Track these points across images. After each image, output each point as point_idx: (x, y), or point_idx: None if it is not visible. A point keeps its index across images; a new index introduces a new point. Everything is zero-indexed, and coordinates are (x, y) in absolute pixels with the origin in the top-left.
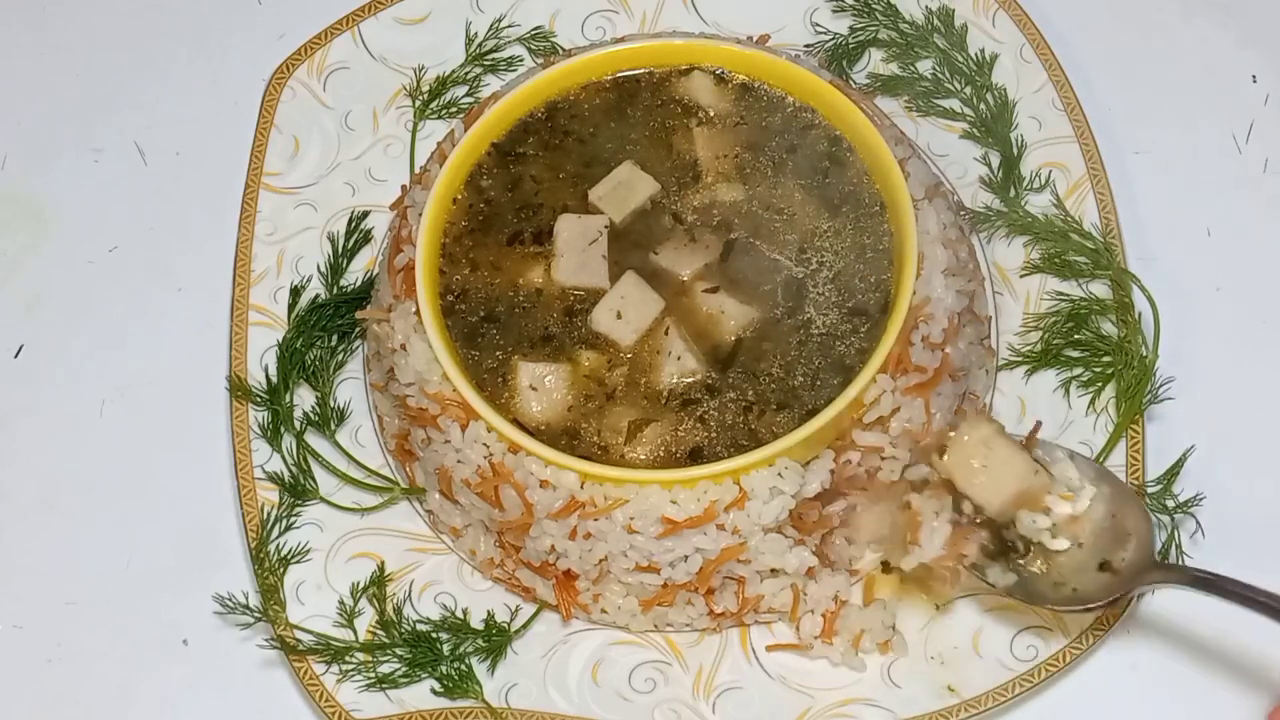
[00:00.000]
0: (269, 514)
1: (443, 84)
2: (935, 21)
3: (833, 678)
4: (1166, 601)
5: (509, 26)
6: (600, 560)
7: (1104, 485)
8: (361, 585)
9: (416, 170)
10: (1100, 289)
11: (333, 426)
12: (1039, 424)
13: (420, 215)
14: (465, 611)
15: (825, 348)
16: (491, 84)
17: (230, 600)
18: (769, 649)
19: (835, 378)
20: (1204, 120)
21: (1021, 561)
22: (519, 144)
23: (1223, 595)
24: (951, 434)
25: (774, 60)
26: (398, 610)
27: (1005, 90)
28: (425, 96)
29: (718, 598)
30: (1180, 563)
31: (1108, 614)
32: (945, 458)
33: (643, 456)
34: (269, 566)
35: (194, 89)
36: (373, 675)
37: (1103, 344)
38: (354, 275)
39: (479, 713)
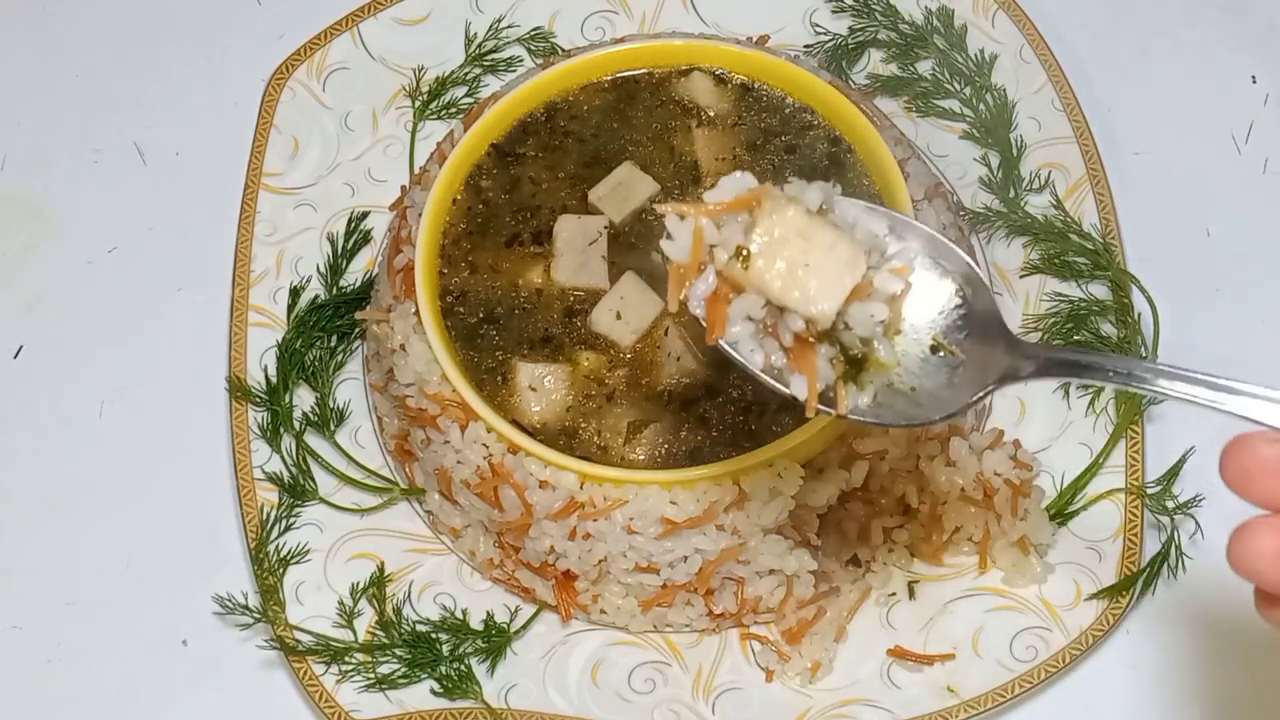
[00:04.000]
0: (269, 514)
1: (442, 84)
2: (935, 22)
3: (832, 678)
4: (1167, 601)
5: (509, 27)
6: (600, 561)
7: (913, 239)
8: (361, 586)
9: (416, 171)
10: (1100, 290)
11: (332, 427)
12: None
13: (420, 216)
14: (465, 612)
15: None
16: (491, 84)
17: (230, 601)
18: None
19: None
20: (1204, 120)
21: (868, 373)
22: (518, 145)
23: (1095, 376)
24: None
25: (774, 61)
26: (397, 611)
27: (1005, 91)
28: (425, 97)
29: (717, 598)
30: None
31: (1107, 612)
32: (748, 267)
33: (642, 457)
34: (269, 567)
35: (194, 89)
36: (372, 676)
37: (1102, 344)
38: (354, 276)
39: (478, 713)
